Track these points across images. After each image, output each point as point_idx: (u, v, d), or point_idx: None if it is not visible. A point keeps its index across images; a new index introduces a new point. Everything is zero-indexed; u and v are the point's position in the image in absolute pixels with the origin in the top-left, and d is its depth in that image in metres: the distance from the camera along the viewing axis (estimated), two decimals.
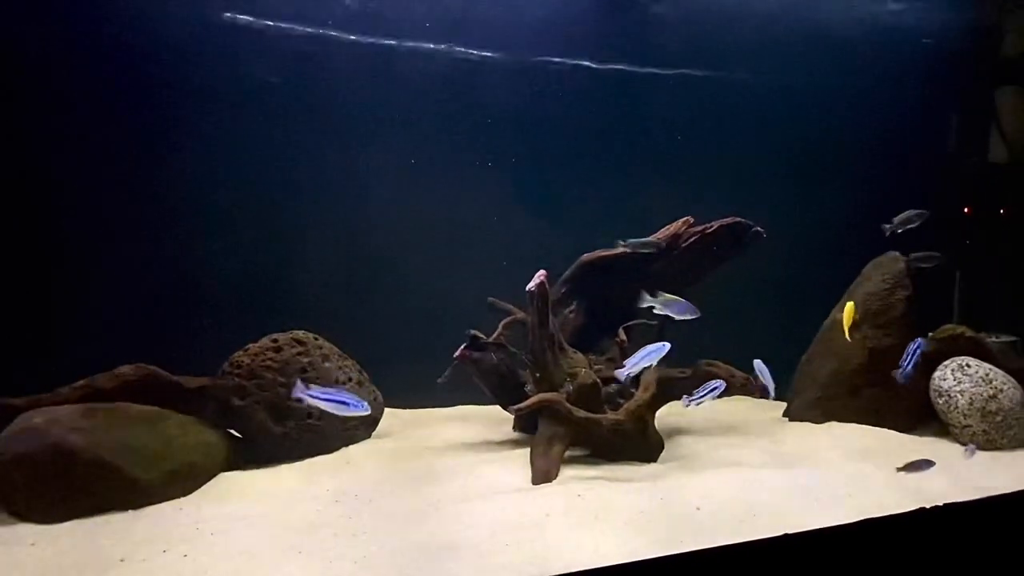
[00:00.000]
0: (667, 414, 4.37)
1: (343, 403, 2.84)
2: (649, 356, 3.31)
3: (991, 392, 3.96)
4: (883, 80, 5.25)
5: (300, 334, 3.65)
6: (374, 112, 4.79)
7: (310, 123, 4.67)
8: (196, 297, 4.23)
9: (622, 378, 3.34)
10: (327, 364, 3.65)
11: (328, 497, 3.08)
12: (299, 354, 3.53)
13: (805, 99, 5.28)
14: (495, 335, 4.11)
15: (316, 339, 3.70)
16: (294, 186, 4.63)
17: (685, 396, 3.35)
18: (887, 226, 3.92)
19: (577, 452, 3.76)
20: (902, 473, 3.28)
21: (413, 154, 4.85)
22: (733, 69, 5.24)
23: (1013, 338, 4.63)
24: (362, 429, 3.88)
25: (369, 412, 2.95)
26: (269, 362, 3.40)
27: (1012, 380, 4.07)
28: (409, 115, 4.85)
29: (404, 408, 4.80)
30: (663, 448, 3.78)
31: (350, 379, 3.81)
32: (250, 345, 3.47)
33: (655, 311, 3.43)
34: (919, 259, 4.19)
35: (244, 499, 3.02)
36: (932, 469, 3.26)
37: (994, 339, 4.54)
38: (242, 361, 3.38)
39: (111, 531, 2.68)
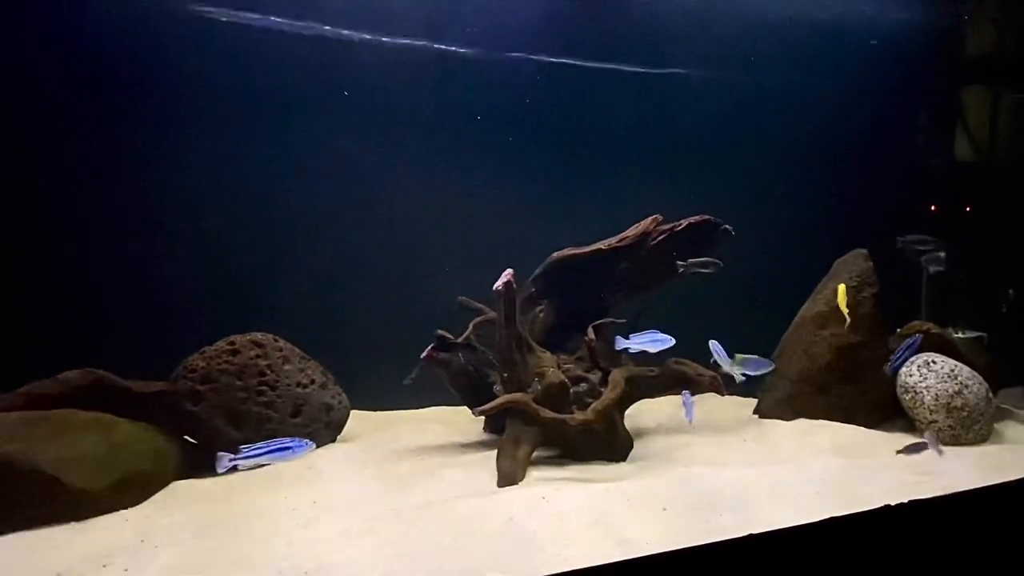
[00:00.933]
0: (637, 412, 4.35)
1: (283, 449, 2.69)
2: (655, 342, 3.39)
3: (956, 388, 3.99)
4: (850, 79, 5.29)
5: (259, 336, 3.54)
6: (341, 108, 4.69)
7: (274, 119, 4.55)
8: (151, 298, 4.08)
9: (618, 348, 3.45)
10: (287, 367, 3.55)
11: (285, 505, 2.99)
12: (257, 356, 3.42)
13: (773, 98, 5.30)
14: (465, 335, 4.04)
15: (276, 340, 3.60)
16: (256, 182, 4.50)
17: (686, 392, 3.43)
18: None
19: (546, 453, 3.71)
20: (901, 455, 3.36)
21: (381, 151, 4.76)
22: (698, 67, 5.23)
23: (979, 333, 4.69)
24: (326, 433, 3.78)
25: (314, 448, 2.82)
26: (226, 365, 3.29)
27: (977, 376, 4.11)
28: (378, 111, 4.75)
29: (375, 410, 4.72)
30: (632, 447, 3.75)
31: (312, 381, 3.71)
32: (206, 348, 3.36)
33: (737, 375, 3.53)
34: (914, 243, 4.21)
35: (195, 509, 2.90)
36: (926, 452, 3.40)
37: (960, 335, 4.59)
38: (197, 365, 3.27)
39: (50, 545, 2.56)
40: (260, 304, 4.30)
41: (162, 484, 3.04)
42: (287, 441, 2.76)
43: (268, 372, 3.44)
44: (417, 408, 4.79)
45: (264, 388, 3.41)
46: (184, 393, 3.18)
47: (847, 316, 3.96)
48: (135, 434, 3.02)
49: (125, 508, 2.84)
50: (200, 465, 3.30)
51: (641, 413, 4.47)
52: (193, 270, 4.22)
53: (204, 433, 3.25)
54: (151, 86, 4.24)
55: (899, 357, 3.42)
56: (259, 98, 4.49)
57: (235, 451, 2.72)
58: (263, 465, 2.83)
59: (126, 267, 4.12)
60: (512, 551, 2.55)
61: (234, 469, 2.79)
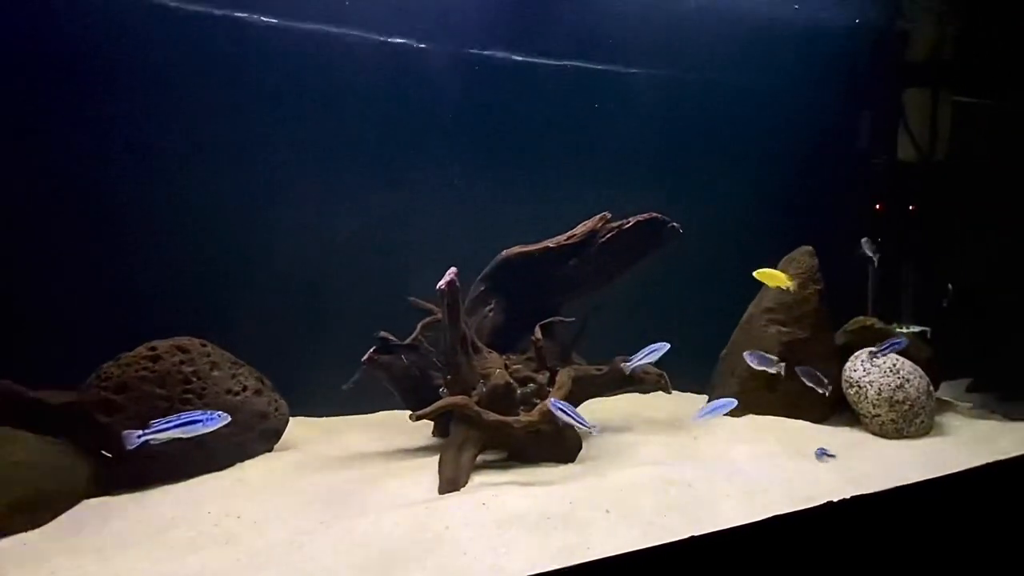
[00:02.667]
0: (590, 412, 4.27)
1: (193, 423, 2.51)
2: (652, 353, 3.41)
3: (898, 382, 4.05)
4: (798, 80, 5.37)
5: (184, 340, 3.32)
6: (284, 105, 4.50)
7: (215, 115, 4.32)
8: (67, 301, 3.81)
9: (627, 372, 3.52)
10: (216, 373, 3.35)
11: (208, 521, 2.80)
12: (182, 363, 3.21)
13: (719, 97, 5.34)
14: (413, 336, 3.91)
15: (204, 345, 3.39)
16: (187, 177, 4.26)
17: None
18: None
19: (492, 456, 3.61)
20: (818, 463, 3.39)
21: (324, 150, 4.58)
22: (642, 65, 5.21)
23: (922, 328, 4.80)
24: (260, 442, 3.59)
25: (228, 420, 2.63)
26: (145, 372, 3.07)
27: (918, 370, 4.19)
28: (321, 109, 4.57)
29: (322, 416, 4.54)
30: (581, 448, 3.68)
31: (245, 388, 3.51)
32: (122, 355, 3.13)
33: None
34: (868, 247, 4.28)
35: (106, 528, 2.69)
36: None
37: (904, 330, 4.69)
38: (111, 372, 3.04)
39: None
40: (197, 308, 4.06)
41: (70, 503, 2.82)
42: (196, 414, 2.56)
43: (194, 379, 3.23)
44: (367, 413, 4.64)
45: (189, 396, 3.20)
46: (96, 403, 2.95)
47: (791, 285, 4.03)
48: (40, 449, 2.78)
49: (25, 530, 2.62)
50: (118, 481, 3.09)
51: (594, 412, 4.43)
52: (118, 270, 3.96)
53: (120, 446, 3.02)
54: (79, 82, 3.97)
55: (883, 351, 3.59)
56: (195, 92, 4.27)
57: (144, 426, 2.52)
58: (177, 439, 2.62)
59: (36, 266, 3.83)
60: (444, 562, 2.44)
61: (145, 445, 2.58)
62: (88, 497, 2.93)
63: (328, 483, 3.29)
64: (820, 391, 3.75)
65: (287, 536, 2.65)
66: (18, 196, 3.83)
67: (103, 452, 3.06)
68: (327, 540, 2.60)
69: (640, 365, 3.49)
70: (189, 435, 2.58)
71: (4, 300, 3.62)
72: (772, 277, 3.99)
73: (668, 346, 3.41)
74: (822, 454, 3.48)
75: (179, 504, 2.96)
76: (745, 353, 3.74)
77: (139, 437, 2.51)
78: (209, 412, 2.55)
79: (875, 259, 4.18)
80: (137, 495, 3.03)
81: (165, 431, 2.52)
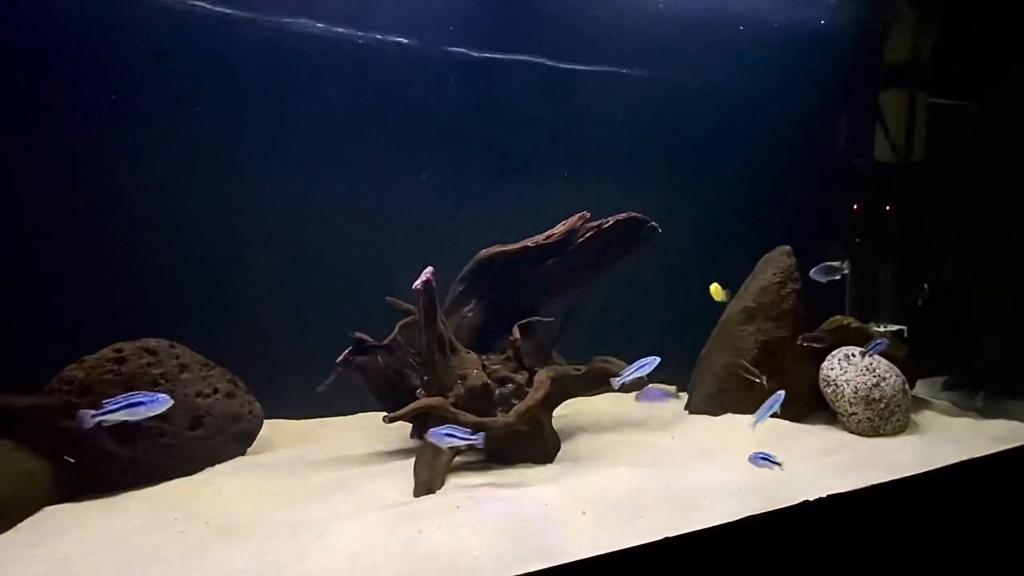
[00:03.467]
0: (572, 412, 4.28)
1: (137, 404, 2.49)
2: (642, 368, 3.32)
3: (874, 380, 4.08)
4: (775, 81, 5.38)
5: (152, 342, 3.24)
6: (255, 102, 4.41)
7: (183, 113, 4.23)
8: (35, 303, 3.69)
9: (616, 387, 3.35)
10: (185, 375, 3.27)
11: (173, 528, 2.73)
12: (149, 365, 3.12)
13: (696, 97, 5.34)
14: (391, 336, 3.86)
15: (173, 347, 3.31)
16: (157, 176, 4.15)
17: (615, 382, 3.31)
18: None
19: (470, 458, 3.57)
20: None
21: (298, 146, 4.50)
22: (617, 65, 5.19)
23: (899, 327, 4.84)
24: (233, 445, 3.51)
25: (170, 403, 2.61)
26: (109, 375, 2.99)
27: (894, 368, 4.22)
28: (295, 106, 4.49)
29: (299, 419, 4.46)
30: (559, 448, 3.66)
31: (216, 390, 3.43)
32: (87, 357, 3.04)
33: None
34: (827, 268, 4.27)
35: (66, 537, 2.61)
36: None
37: (881, 329, 4.72)
38: (74, 375, 2.95)
39: None
40: (168, 310, 3.96)
41: (31, 510, 2.73)
42: (138, 396, 2.55)
43: (162, 382, 3.14)
44: (345, 415, 4.57)
45: None
46: (56, 408, 2.86)
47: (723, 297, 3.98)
48: None
49: None
50: (82, 487, 3.00)
51: (576, 412, 4.42)
52: (85, 270, 3.85)
53: (84, 451, 2.94)
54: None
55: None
56: (165, 88, 4.17)
57: (98, 407, 2.50)
58: (125, 421, 2.61)
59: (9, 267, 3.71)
60: (415, 567, 2.39)
61: (100, 426, 2.55)
62: (49, 504, 2.84)
63: (301, 487, 3.22)
64: (757, 380, 3.66)
65: (255, 543, 2.59)
66: None
67: (66, 458, 2.96)
68: (295, 546, 2.54)
69: (630, 381, 3.36)
70: (135, 418, 2.57)
71: None
72: (715, 291, 3.96)
73: (658, 360, 3.32)
74: (761, 459, 3.04)
75: (145, 511, 2.88)
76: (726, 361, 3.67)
77: (93, 417, 2.49)
78: (152, 395, 2.53)
79: (844, 268, 4.19)
80: (102, 501, 2.95)
81: (114, 412, 2.51)
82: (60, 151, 3.88)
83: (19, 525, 2.69)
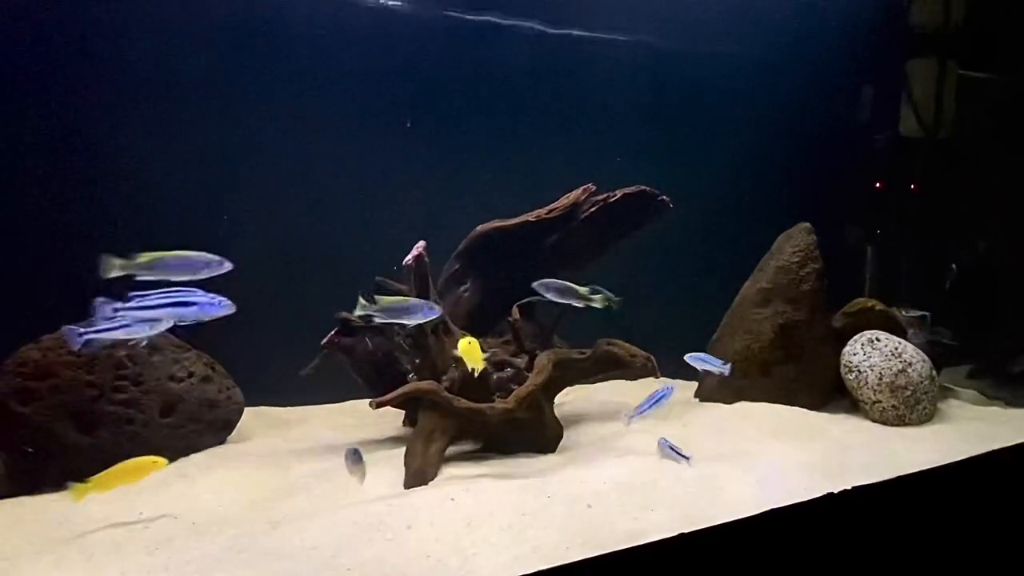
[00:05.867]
0: (574, 398, 4.04)
1: (184, 303, 2.09)
2: (659, 402, 2.99)
3: (900, 366, 3.82)
4: (793, 51, 5.08)
5: None
6: (240, 79, 4.11)
7: (168, 92, 3.94)
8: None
9: (627, 424, 2.97)
10: (156, 358, 3.01)
11: (137, 524, 2.48)
12: (114, 345, 2.87)
13: (713, 68, 5.03)
14: None
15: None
16: (138, 154, 3.89)
17: (624, 414, 2.94)
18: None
19: (467, 447, 3.33)
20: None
21: (278, 121, 4.21)
22: (632, 32, 4.89)
23: (923, 313, 4.58)
24: (209, 434, 3.26)
25: (232, 310, 2.23)
26: (70, 356, 2.73)
27: (921, 354, 3.97)
28: (280, 83, 4.20)
29: (285, 406, 4.21)
30: (562, 437, 3.41)
31: (191, 374, 3.18)
32: (44, 337, 2.78)
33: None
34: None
35: (14, 535, 2.36)
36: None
37: (904, 314, 4.47)
38: (30, 356, 2.69)
39: None
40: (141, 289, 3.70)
41: None
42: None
43: (129, 364, 2.89)
44: (332, 402, 4.32)
45: (123, 383, 2.86)
46: (12, 392, 2.61)
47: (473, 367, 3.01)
48: None
49: None
50: (40, 480, 2.75)
51: (579, 399, 4.18)
52: (48, 245, 3.58)
53: (41, 440, 2.68)
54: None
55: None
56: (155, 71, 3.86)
57: (86, 324, 2.14)
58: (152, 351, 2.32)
59: None
60: (403, 566, 2.15)
61: (88, 345, 2.22)
62: (3, 497, 2.61)
63: (282, 479, 2.99)
64: (717, 372, 3.31)
65: (227, 540, 2.34)
66: None
67: (22, 447, 2.71)
68: (271, 543, 2.29)
69: (647, 415, 3.03)
70: (133, 337, 2.17)
71: None
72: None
73: (675, 389, 3.01)
74: (669, 448, 2.80)
75: (108, 504, 2.62)
76: (687, 356, 3.28)
77: (80, 335, 2.15)
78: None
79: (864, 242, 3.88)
80: (62, 494, 2.68)
81: (109, 331, 2.13)
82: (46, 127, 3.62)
83: None
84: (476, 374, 2.97)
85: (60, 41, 3.73)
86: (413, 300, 2.92)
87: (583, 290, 3.29)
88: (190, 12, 3.99)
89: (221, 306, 2.23)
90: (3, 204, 3.58)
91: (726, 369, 3.20)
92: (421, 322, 2.90)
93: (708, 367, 3.18)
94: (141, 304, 2.15)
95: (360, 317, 2.88)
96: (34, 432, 2.66)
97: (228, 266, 2.36)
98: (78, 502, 2.38)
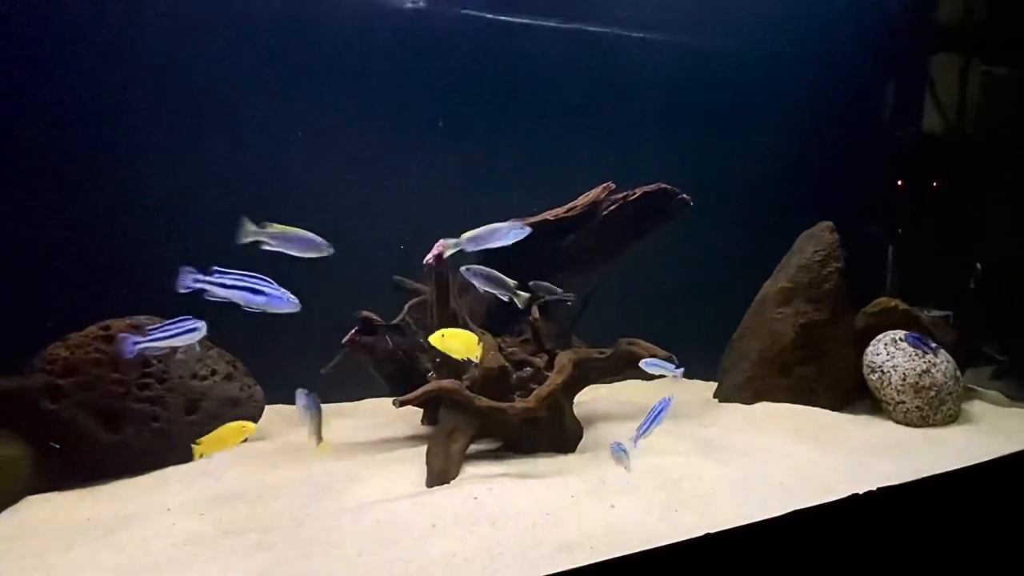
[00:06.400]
0: (590, 398, 4.01)
1: (255, 291, 2.18)
2: (659, 418, 2.86)
3: (924, 366, 3.76)
4: (813, 46, 5.01)
5: (142, 319, 2.99)
6: (264, 82, 4.13)
7: (185, 91, 3.96)
8: (22, 278, 3.46)
9: (635, 446, 2.84)
10: (180, 355, 3.04)
11: (165, 520, 2.50)
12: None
13: (734, 65, 4.96)
14: (399, 317, 3.61)
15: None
16: (163, 152, 3.92)
17: (629, 439, 2.81)
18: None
19: (486, 446, 3.32)
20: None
21: (300, 117, 4.22)
22: (656, 29, 4.86)
23: (946, 312, 4.51)
24: None
25: (297, 308, 2.32)
26: (97, 355, 2.76)
27: (945, 354, 3.91)
28: (300, 85, 4.20)
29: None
30: (582, 437, 3.39)
31: (214, 372, 3.20)
32: (72, 335, 2.82)
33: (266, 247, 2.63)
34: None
35: (44, 530, 2.39)
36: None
37: (926, 314, 4.40)
38: (57, 354, 2.72)
39: None
40: (165, 289, 3.73)
41: (9, 500, 2.52)
42: (261, 283, 2.27)
43: (154, 362, 2.91)
44: (351, 400, 4.33)
45: (149, 381, 2.89)
46: (41, 389, 2.64)
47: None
48: None
49: None
50: (67, 475, 2.78)
51: (597, 399, 4.16)
52: (78, 246, 3.62)
53: (70, 437, 2.71)
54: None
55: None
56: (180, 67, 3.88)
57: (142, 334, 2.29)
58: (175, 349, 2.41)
59: None
60: (430, 565, 2.15)
61: (141, 354, 2.38)
62: (32, 493, 2.64)
63: (305, 477, 2.99)
64: (671, 376, 3.15)
65: (254, 536, 2.36)
66: None
67: (51, 443, 2.74)
68: (298, 541, 2.31)
69: (649, 432, 2.86)
70: (187, 343, 2.32)
71: None
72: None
73: (672, 401, 2.86)
74: (621, 451, 2.68)
75: (135, 501, 2.66)
76: (642, 363, 3.15)
77: (135, 344, 2.29)
78: (280, 290, 2.24)
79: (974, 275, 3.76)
80: (89, 490, 2.74)
81: (163, 339, 2.26)
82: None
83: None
84: (475, 363, 2.94)
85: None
86: (306, 233, 2.71)
87: (511, 283, 3.23)
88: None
89: (288, 302, 2.33)
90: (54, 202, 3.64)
91: (679, 373, 3.12)
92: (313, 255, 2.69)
93: (662, 371, 3.10)
94: (219, 280, 2.23)
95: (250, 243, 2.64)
96: (62, 428, 2.69)
97: (331, 250, 2.63)
98: (198, 459, 2.59)
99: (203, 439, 2.50)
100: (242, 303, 2.25)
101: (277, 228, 2.50)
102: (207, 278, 2.19)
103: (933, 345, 3.58)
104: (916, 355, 3.79)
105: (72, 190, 3.72)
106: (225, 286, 2.22)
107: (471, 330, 3.44)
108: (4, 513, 2.50)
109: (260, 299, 2.26)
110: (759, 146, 4.95)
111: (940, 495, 2.66)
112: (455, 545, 2.27)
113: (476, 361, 2.95)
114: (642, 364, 3.16)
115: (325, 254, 2.64)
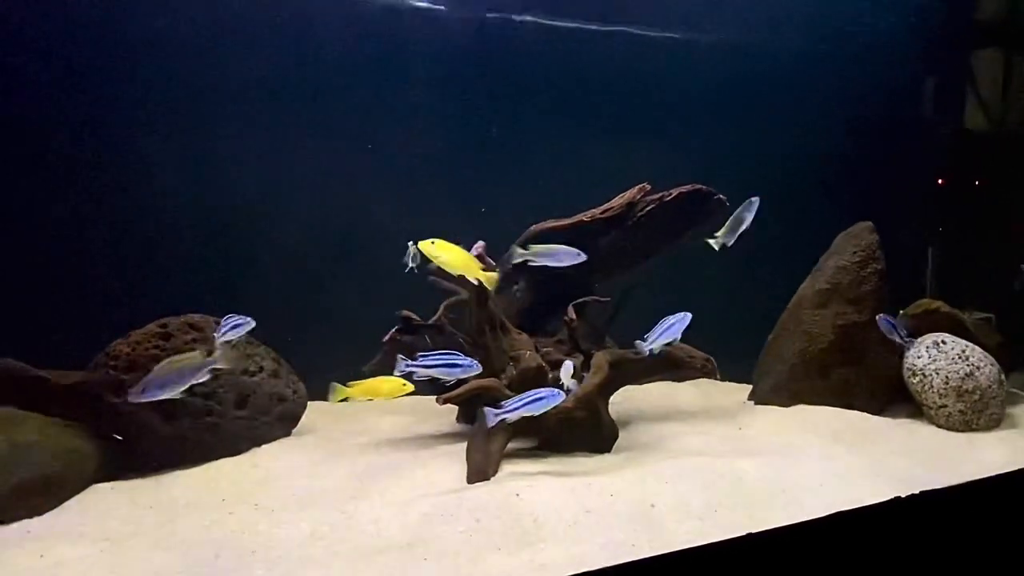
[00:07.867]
0: (624, 399, 4.03)
1: (455, 365, 2.75)
2: (671, 329, 2.92)
3: (968, 370, 3.69)
4: (853, 44, 4.93)
5: (196, 318, 3.14)
6: (289, 83, 4.25)
7: (221, 97, 4.09)
8: (79, 278, 3.64)
9: (644, 353, 2.98)
10: (231, 352, 3.15)
11: (222, 509, 2.62)
12: (194, 340, 3.02)
13: (772, 64, 4.91)
14: (435, 317, 3.68)
15: (217, 323, 3.20)
16: (200, 156, 4.07)
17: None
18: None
19: (522, 444, 3.37)
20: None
21: (336, 124, 4.33)
22: (695, 28, 4.84)
23: (987, 315, 4.41)
24: (278, 427, 3.40)
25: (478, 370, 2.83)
26: (155, 351, 2.89)
27: (989, 357, 3.82)
28: (324, 83, 4.30)
29: (341, 400, 4.34)
30: (617, 437, 3.42)
31: (261, 368, 3.32)
32: (132, 332, 2.96)
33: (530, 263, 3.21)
34: None
35: (111, 517, 2.52)
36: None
37: (967, 316, 4.31)
38: (120, 351, 2.87)
39: None
40: (213, 288, 3.88)
41: (78, 488, 2.66)
42: (460, 358, 2.83)
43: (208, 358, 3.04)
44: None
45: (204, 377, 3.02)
46: (105, 383, 2.78)
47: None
48: (45, 431, 2.63)
49: (29, 516, 2.47)
50: (129, 465, 2.92)
51: (630, 400, 4.17)
52: (131, 248, 3.80)
53: (130, 429, 2.85)
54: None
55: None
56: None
57: (411, 357, 2.80)
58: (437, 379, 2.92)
59: (44, 242, 3.67)
60: (477, 556, 2.21)
61: (409, 376, 2.83)
62: (97, 482, 2.78)
63: (350, 470, 3.08)
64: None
65: (308, 527, 2.45)
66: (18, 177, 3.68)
67: (114, 435, 2.89)
68: (350, 532, 2.39)
69: (659, 344, 2.89)
70: (446, 377, 2.87)
71: (7, 279, 3.48)
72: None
73: (689, 317, 2.88)
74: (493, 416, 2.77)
75: (192, 490, 2.79)
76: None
77: (407, 366, 2.78)
78: (468, 359, 2.78)
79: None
80: (148, 480, 2.87)
81: (431, 367, 2.79)
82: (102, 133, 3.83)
83: (67, 503, 2.62)
84: (483, 285, 3.15)
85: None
86: (561, 247, 3.23)
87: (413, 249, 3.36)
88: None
89: (473, 367, 2.88)
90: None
91: (645, 348, 3.01)
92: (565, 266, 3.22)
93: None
94: (423, 363, 2.84)
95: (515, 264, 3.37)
96: (124, 421, 2.83)
97: (583, 257, 3.12)
98: (334, 402, 3.09)
99: (355, 383, 2.93)
100: (444, 377, 2.87)
101: (537, 248, 3.17)
102: (415, 363, 2.81)
103: (904, 333, 3.47)
104: (959, 358, 3.72)
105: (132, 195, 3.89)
106: (429, 366, 2.81)
107: (507, 330, 3.51)
108: (72, 500, 2.64)
109: (457, 371, 2.83)
110: (798, 144, 4.89)
111: (984, 500, 2.62)
112: (498, 539, 2.33)
113: (475, 281, 3.16)
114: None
115: (578, 261, 3.14)
